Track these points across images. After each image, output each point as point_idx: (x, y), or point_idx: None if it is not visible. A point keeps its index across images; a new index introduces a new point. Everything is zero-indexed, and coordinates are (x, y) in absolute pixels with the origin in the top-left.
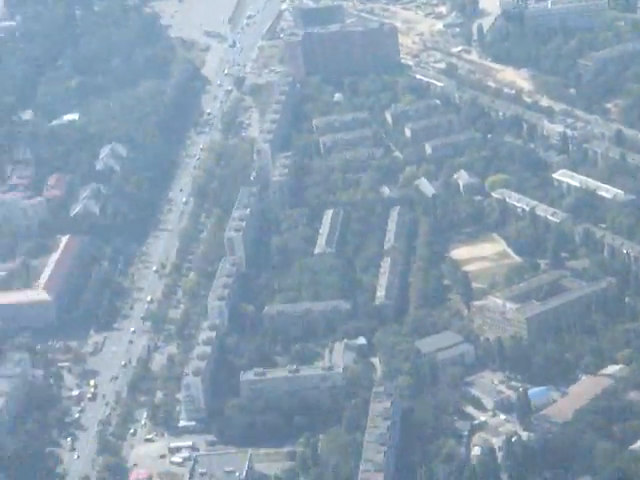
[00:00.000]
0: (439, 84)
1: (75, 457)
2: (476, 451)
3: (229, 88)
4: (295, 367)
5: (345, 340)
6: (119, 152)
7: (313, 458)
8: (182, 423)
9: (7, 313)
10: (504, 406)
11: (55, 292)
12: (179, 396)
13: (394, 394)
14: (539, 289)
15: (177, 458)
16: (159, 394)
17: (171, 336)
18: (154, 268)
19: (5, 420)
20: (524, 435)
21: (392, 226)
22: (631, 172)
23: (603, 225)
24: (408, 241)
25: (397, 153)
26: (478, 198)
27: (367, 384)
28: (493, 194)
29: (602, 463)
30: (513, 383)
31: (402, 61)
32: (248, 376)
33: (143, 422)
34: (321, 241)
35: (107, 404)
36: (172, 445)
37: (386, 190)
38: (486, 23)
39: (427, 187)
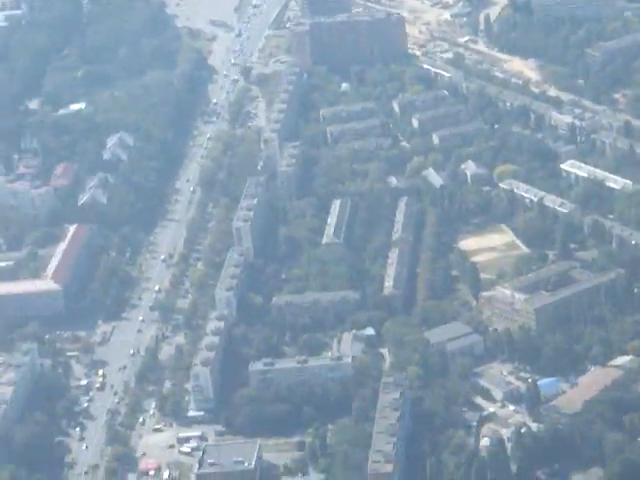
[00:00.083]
0: (446, 74)
1: (84, 447)
2: (485, 442)
3: (236, 78)
4: (304, 358)
5: (353, 331)
6: (126, 141)
7: (322, 448)
8: (191, 413)
9: (15, 303)
10: (513, 397)
11: (63, 282)
12: (187, 386)
13: (403, 385)
14: (548, 280)
15: (186, 448)
16: (167, 384)
17: (179, 326)
18: (162, 257)
19: (14, 410)
20: (533, 426)
21: (400, 217)
22: (639, 163)
23: (611, 216)
24: (416, 232)
25: (404, 143)
26: (486, 189)
27: (376, 375)
28: (501, 185)
29: (611, 454)
30: (522, 374)
31: (409, 51)
32: (257, 366)
33: (152, 412)
34: (329, 231)
35: (116, 394)
36: (181, 435)
37: (393, 180)
38: (493, 13)
39: (435, 178)
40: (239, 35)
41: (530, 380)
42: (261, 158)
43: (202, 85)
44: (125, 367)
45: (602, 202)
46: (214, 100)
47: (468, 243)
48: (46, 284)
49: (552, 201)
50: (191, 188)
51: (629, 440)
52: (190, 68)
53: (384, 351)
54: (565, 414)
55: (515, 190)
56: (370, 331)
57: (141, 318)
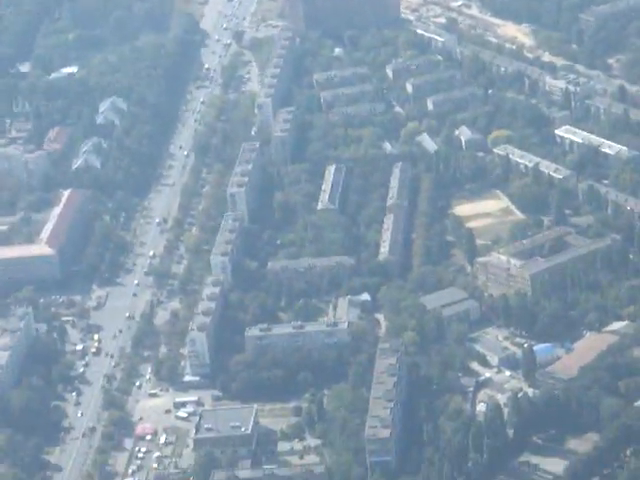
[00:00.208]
0: (440, 39)
1: (79, 413)
2: (482, 407)
3: (228, 42)
4: (300, 323)
5: (349, 296)
6: (119, 106)
7: (319, 414)
8: (187, 378)
9: (10, 267)
10: (509, 362)
11: (57, 246)
12: (183, 351)
13: (400, 350)
14: (543, 246)
15: (182, 413)
16: (163, 349)
17: (174, 291)
18: (157, 220)
19: (9, 374)
20: (529, 391)
21: (394, 182)
22: (634, 128)
23: (606, 181)
24: (411, 197)
25: (398, 109)
26: (480, 154)
27: (372, 340)
28: (495, 150)
29: (607, 419)
30: (518, 340)
31: (402, 15)
32: (253, 332)
33: (148, 377)
34: (324, 197)
35: (112, 358)
36: (177, 400)
37: (388, 146)
38: None
39: (429, 143)
40: None
41: (526, 345)
42: (255, 123)
43: (194, 49)
44: (121, 332)
45: (597, 168)
46: (206, 65)
47: (463, 209)
48: (40, 249)
49: (547, 167)
50: (185, 153)
51: (625, 405)
52: (182, 32)
53: (380, 317)
54: (561, 379)
55: (510, 156)
56: (366, 297)
57: (136, 282)
